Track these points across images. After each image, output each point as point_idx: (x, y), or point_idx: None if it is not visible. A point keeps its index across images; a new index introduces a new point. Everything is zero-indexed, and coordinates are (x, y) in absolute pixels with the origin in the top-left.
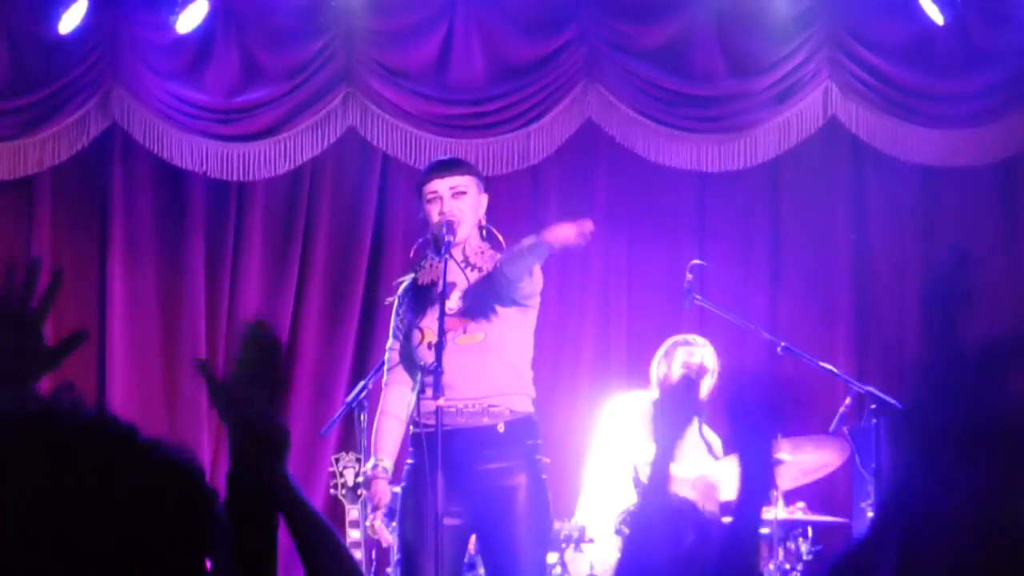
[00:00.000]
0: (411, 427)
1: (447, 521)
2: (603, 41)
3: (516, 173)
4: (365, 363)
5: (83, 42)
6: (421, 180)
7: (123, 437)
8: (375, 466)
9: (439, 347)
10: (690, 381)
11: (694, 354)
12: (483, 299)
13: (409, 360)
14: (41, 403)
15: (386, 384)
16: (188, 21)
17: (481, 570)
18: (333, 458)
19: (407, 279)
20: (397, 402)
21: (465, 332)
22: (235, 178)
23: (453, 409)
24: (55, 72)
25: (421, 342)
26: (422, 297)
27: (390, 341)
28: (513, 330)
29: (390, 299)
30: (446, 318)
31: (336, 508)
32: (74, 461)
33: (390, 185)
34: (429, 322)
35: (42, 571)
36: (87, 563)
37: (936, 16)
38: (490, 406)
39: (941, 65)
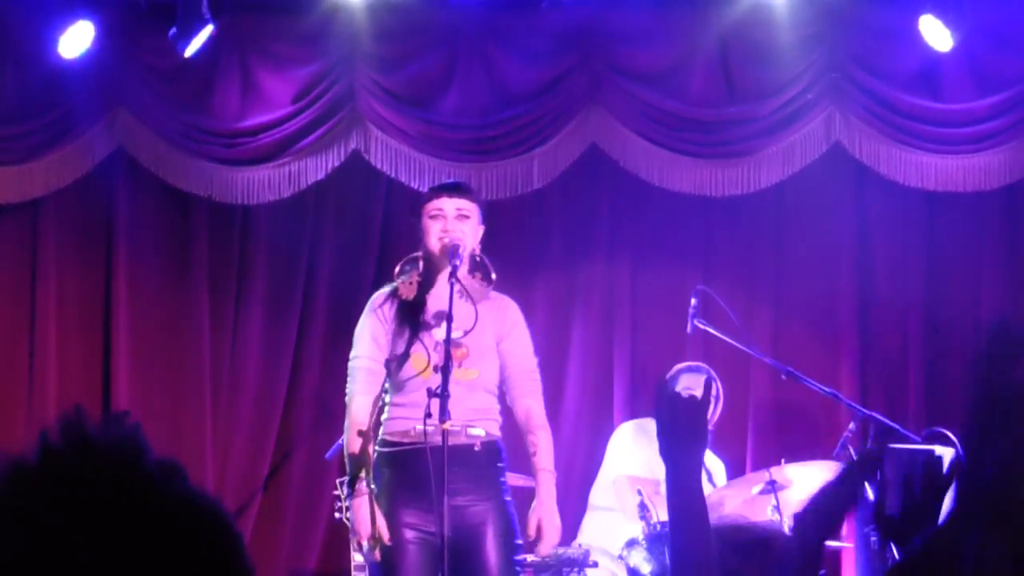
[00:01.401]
0: (383, 446)
1: (420, 536)
2: (606, 66)
3: (520, 198)
4: None
5: (89, 66)
6: (427, 196)
7: (152, 479)
8: (362, 482)
9: (446, 371)
10: (696, 402)
11: (699, 382)
12: (484, 344)
13: (382, 374)
14: (103, 438)
15: (355, 395)
16: (193, 46)
17: None
18: (337, 481)
19: (385, 290)
20: (366, 416)
21: (460, 367)
22: (239, 202)
23: (432, 428)
24: (61, 96)
25: (424, 370)
26: (409, 317)
27: (360, 350)
28: (497, 367)
29: (449, 333)
30: (440, 347)
31: (340, 531)
32: (103, 509)
33: (394, 209)
34: (420, 348)
35: None
36: None
37: (940, 42)
38: (469, 427)
39: (945, 91)
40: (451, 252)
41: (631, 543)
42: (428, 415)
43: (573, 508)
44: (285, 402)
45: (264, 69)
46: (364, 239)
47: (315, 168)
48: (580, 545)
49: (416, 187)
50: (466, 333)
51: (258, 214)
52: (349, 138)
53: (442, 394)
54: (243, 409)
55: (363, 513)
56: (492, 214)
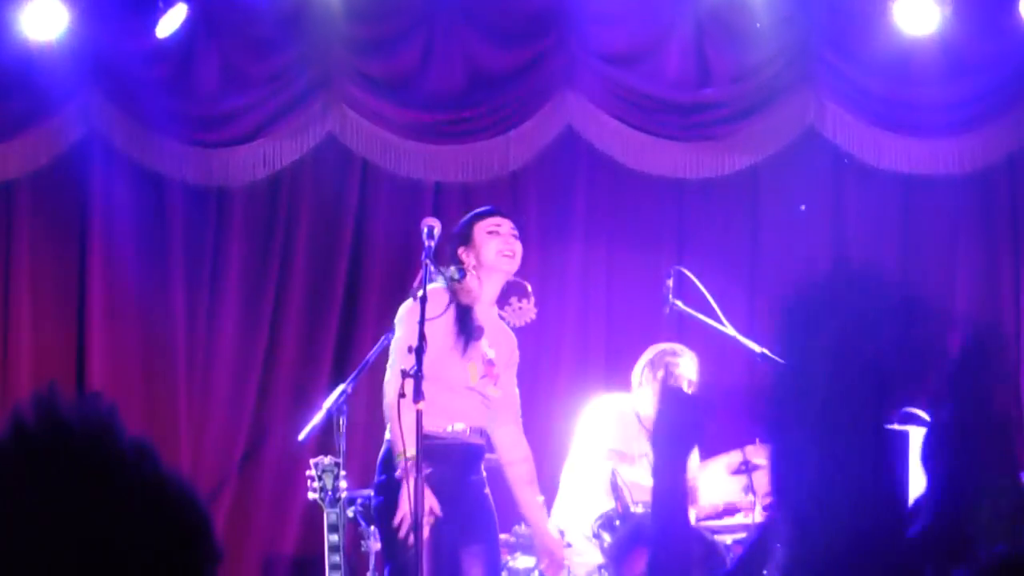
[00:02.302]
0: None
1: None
2: (582, 48)
3: (495, 180)
4: (344, 367)
5: (63, 47)
6: (483, 213)
7: (124, 459)
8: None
9: (419, 352)
10: (693, 401)
11: (679, 365)
12: (503, 366)
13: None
14: (77, 418)
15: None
16: (168, 27)
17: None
18: (311, 462)
19: (438, 289)
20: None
21: (495, 385)
22: (215, 183)
23: (474, 431)
24: (35, 77)
25: (475, 379)
26: (467, 325)
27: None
28: None
29: (423, 315)
30: (486, 365)
31: (314, 512)
32: (71, 491)
33: (370, 191)
34: (473, 356)
35: None
36: None
37: (916, 27)
38: (482, 431)
39: (919, 75)
40: (427, 232)
41: (604, 521)
42: (402, 395)
43: (546, 488)
44: (260, 383)
45: (240, 51)
46: (339, 222)
47: (290, 150)
48: (554, 525)
49: (391, 169)
50: (498, 352)
51: (233, 196)
52: (324, 120)
53: (417, 374)
54: (217, 390)
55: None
56: (467, 196)
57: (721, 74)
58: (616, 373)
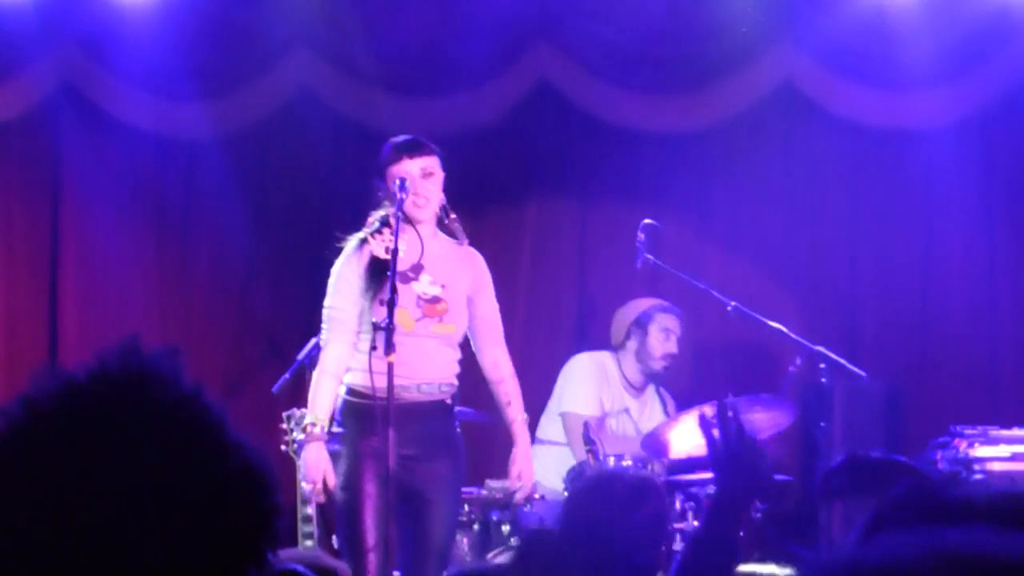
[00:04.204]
0: (352, 395)
1: (382, 487)
2: (557, 0)
3: (468, 133)
4: (317, 319)
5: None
6: (389, 159)
7: (211, 426)
8: (314, 426)
9: (391, 304)
10: (759, 453)
11: (675, 323)
12: (460, 299)
13: (358, 325)
14: (141, 364)
15: (329, 343)
16: None
17: None
18: (284, 415)
19: (354, 239)
20: (339, 364)
21: (441, 321)
22: (186, 137)
23: (413, 387)
24: (3, 30)
25: (407, 325)
26: (382, 272)
27: (334, 300)
28: (466, 321)
29: (340, 264)
30: (424, 304)
31: (287, 465)
32: (151, 436)
33: (342, 143)
34: (403, 301)
35: (77, 549)
36: (131, 544)
37: None
38: (443, 384)
39: (896, 28)
40: (399, 187)
41: (577, 475)
42: (374, 348)
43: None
44: (233, 336)
45: (213, 2)
46: (310, 175)
47: (263, 103)
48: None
49: (363, 122)
50: (444, 285)
51: (205, 150)
52: (296, 72)
53: (388, 327)
54: (191, 343)
55: (315, 458)
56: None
57: (697, 27)
58: (589, 326)
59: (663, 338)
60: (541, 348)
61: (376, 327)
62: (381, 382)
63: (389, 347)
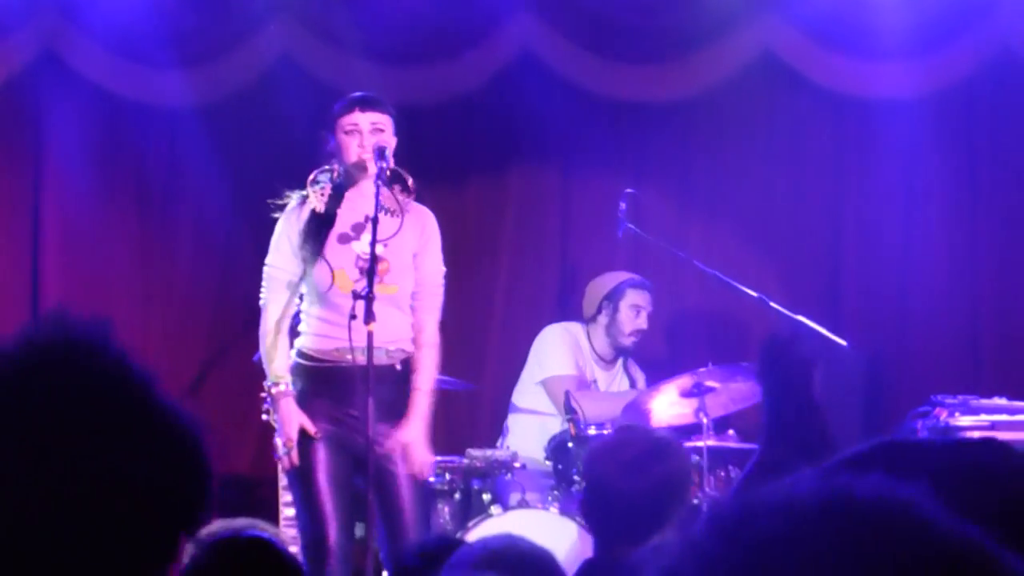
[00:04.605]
0: (301, 358)
1: (334, 446)
2: None
3: (449, 102)
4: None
5: None
6: (340, 111)
7: (139, 392)
8: (277, 385)
9: (371, 273)
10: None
11: (646, 299)
12: (404, 259)
13: (297, 284)
14: (68, 333)
15: (269, 302)
16: None
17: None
18: (265, 384)
19: (295, 197)
20: (284, 321)
21: (382, 282)
22: (168, 104)
23: (359, 349)
24: None
25: (337, 284)
26: (321, 230)
27: (273, 257)
28: (412, 282)
29: (276, 214)
30: (361, 261)
31: (268, 433)
32: (78, 403)
33: (322, 111)
34: (342, 262)
35: (11, 517)
36: (60, 511)
37: None
38: (388, 348)
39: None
40: (376, 155)
41: (558, 444)
42: (353, 316)
43: (502, 409)
44: (214, 304)
45: None
46: (291, 143)
47: (244, 70)
48: (508, 447)
49: (345, 90)
50: (386, 244)
51: (186, 117)
52: (278, 41)
53: (367, 296)
54: (172, 313)
55: (288, 413)
56: (420, 117)
57: None
58: (572, 297)
59: (633, 315)
60: (523, 317)
61: (356, 295)
62: (327, 345)
63: (369, 316)
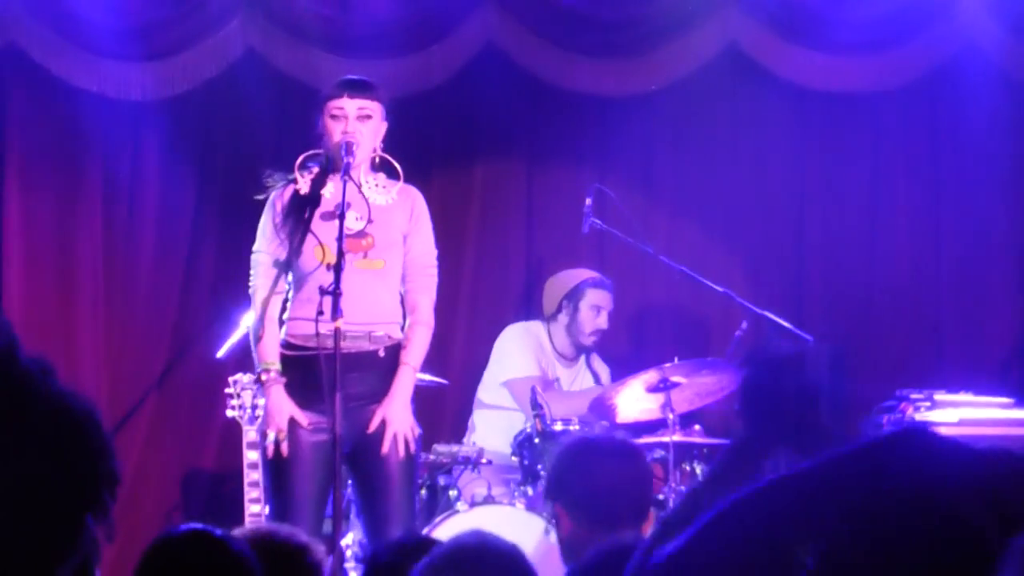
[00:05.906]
0: (282, 347)
1: (317, 438)
2: None
3: (415, 95)
4: None
5: None
6: (329, 94)
7: (26, 379)
8: (268, 372)
9: (338, 268)
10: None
11: (607, 299)
12: (392, 236)
13: (284, 268)
14: None
15: (258, 289)
16: None
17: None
18: (231, 380)
19: (279, 182)
20: (273, 308)
21: (366, 257)
22: (132, 97)
23: (326, 331)
24: None
25: (322, 261)
26: (303, 211)
27: (259, 243)
28: (402, 260)
29: (259, 196)
30: (346, 239)
31: (233, 430)
32: None
33: (289, 105)
34: (327, 239)
35: None
36: None
37: None
38: (373, 332)
39: None
40: (344, 149)
41: (524, 439)
42: (320, 313)
43: (468, 405)
44: (179, 300)
45: None
46: (257, 138)
47: (209, 64)
48: (474, 443)
49: (311, 84)
50: (370, 222)
51: (151, 111)
52: (243, 34)
53: (334, 292)
54: (136, 308)
55: (278, 402)
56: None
57: None
58: (537, 291)
59: (593, 315)
60: (489, 310)
61: (323, 291)
62: (307, 330)
63: (336, 312)
